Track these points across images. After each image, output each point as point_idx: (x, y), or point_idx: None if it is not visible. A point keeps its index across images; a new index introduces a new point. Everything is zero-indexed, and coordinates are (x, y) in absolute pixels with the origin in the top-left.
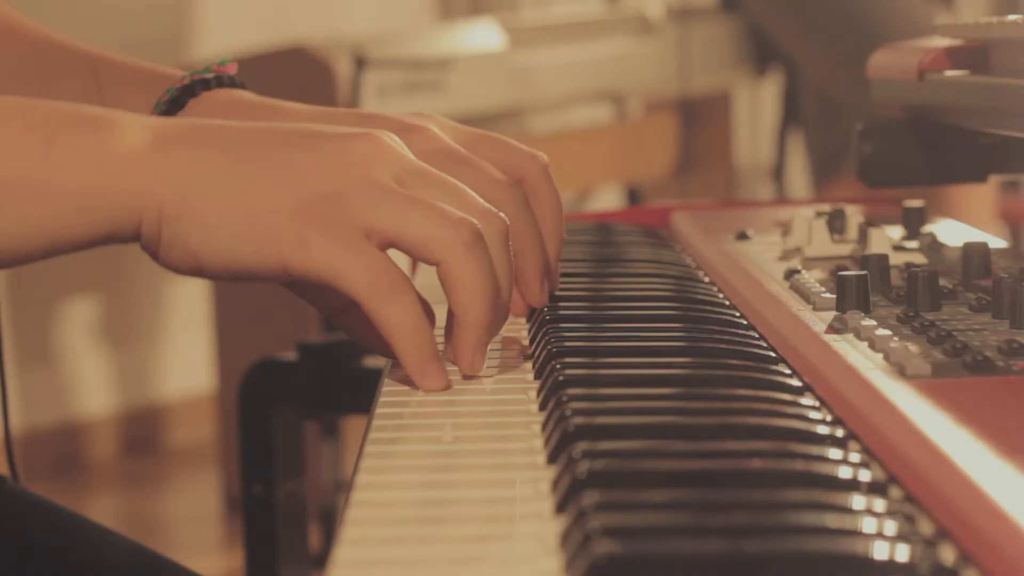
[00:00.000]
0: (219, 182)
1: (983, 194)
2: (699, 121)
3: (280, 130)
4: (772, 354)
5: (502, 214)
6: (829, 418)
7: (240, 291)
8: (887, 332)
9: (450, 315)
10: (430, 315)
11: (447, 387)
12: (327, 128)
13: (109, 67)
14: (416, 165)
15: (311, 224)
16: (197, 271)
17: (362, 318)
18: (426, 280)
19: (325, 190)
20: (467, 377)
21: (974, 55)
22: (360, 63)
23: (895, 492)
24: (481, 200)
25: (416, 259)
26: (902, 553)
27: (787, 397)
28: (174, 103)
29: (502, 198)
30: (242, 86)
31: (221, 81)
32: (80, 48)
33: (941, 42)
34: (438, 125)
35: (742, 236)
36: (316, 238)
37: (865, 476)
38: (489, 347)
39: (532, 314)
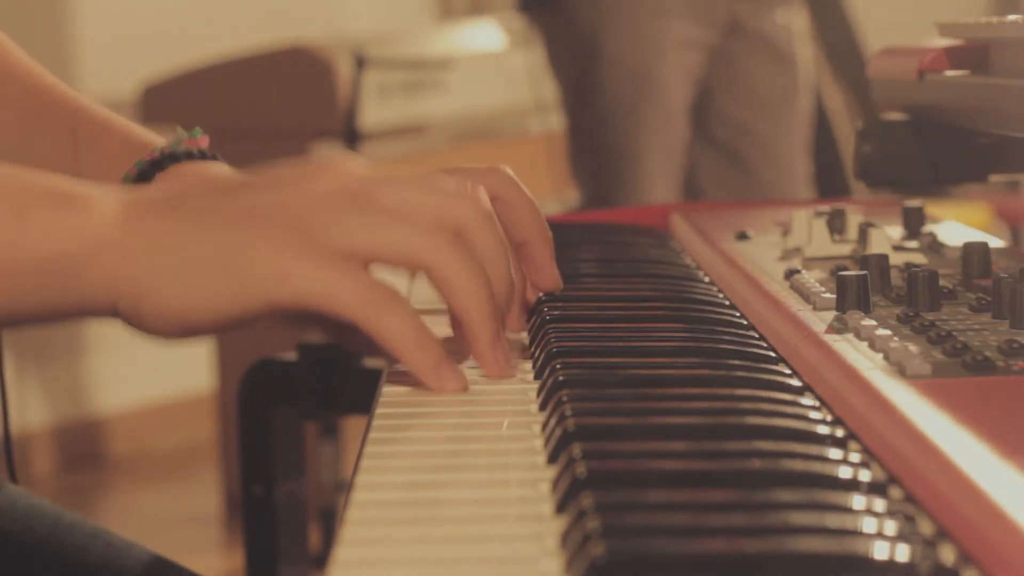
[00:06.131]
0: (190, 243)
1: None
2: None
3: (240, 181)
4: (772, 354)
5: (481, 192)
6: (829, 418)
7: None
8: (887, 332)
9: (456, 323)
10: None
11: (465, 387)
12: (282, 167)
13: (88, 127)
14: (378, 175)
15: (287, 254)
16: (189, 333)
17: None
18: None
19: (293, 222)
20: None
21: (974, 55)
22: (360, 63)
23: (895, 492)
24: (451, 185)
25: (401, 269)
26: (902, 553)
27: (787, 397)
28: (141, 177)
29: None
30: (213, 158)
31: (191, 155)
32: (63, 99)
33: (941, 42)
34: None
35: (742, 236)
36: (296, 267)
37: (865, 476)
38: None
39: (532, 314)
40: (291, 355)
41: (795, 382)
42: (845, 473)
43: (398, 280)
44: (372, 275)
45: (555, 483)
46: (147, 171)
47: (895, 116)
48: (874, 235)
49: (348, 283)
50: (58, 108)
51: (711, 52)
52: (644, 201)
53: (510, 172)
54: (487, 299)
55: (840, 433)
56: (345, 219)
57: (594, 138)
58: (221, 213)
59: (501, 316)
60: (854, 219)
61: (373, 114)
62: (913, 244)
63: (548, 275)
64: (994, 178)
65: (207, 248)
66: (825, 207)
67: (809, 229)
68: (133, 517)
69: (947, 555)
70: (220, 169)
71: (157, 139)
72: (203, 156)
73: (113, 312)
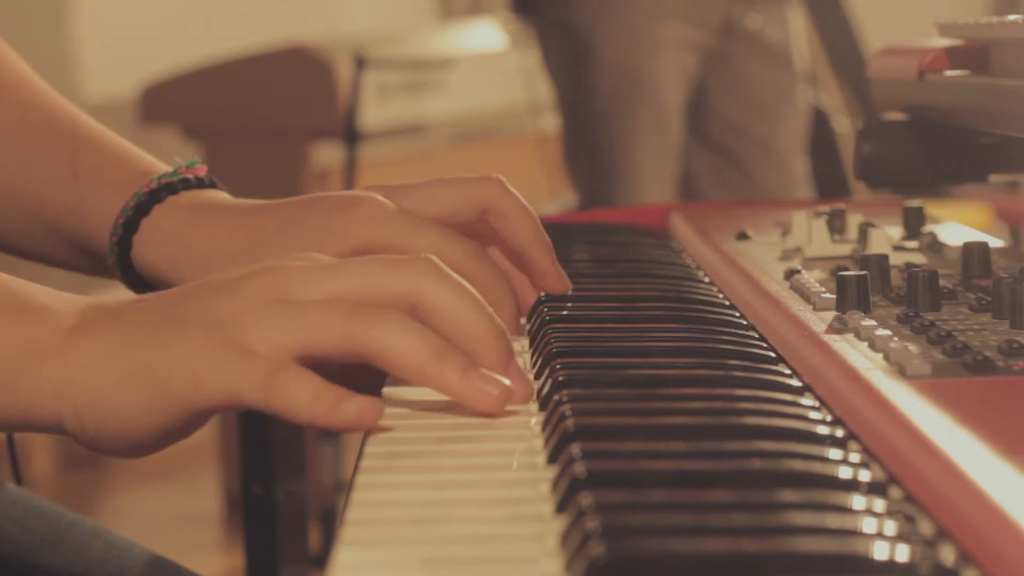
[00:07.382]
0: (120, 361)
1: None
2: None
3: (184, 290)
4: (772, 354)
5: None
6: (829, 418)
7: None
8: (887, 332)
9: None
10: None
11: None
12: (236, 272)
13: (88, 152)
14: (317, 267)
15: (197, 358)
16: (136, 450)
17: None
18: None
19: (216, 327)
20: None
21: (974, 55)
22: (360, 63)
23: (895, 492)
24: (392, 270)
25: (343, 359)
26: (902, 553)
27: (787, 397)
28: (140, 209)
29: (458, 254)
30: (212, 185)
31: (188, 184)
32: (64, 120)
33: (941, 42)
34: (383, 193)
35: (742, 236)
36: (204, 369)
37: (865, 476)
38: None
39: (532, 314)
40: None
41: (795, 382)
42: (845, 473)
43: None
44: (303, 370)
45: (555, 483)
46: (145, 203)
47: (895, 116)
48: (874, 235)
49: (251, 374)
50: (58, 128)
51: (706, 53)
52: (638, 202)
53: (504, 181)
54: (488, 319)
55: (840, 433)
56: (266, 317)
57: (589, 139)
58: (153, 326)
59: (505, 335)
60: (854, 219)
61: (373, 114)
62: (913, 244)
63: (553, 279)
64: (994, 178)
65: (134, 364)
66: (825, 207)
67: (809, 229)
68: (133, 517)
69: (947, 555)
70: (218, 196)
71: (156, 164)
72: (200, 184)
73: (61, 430)
